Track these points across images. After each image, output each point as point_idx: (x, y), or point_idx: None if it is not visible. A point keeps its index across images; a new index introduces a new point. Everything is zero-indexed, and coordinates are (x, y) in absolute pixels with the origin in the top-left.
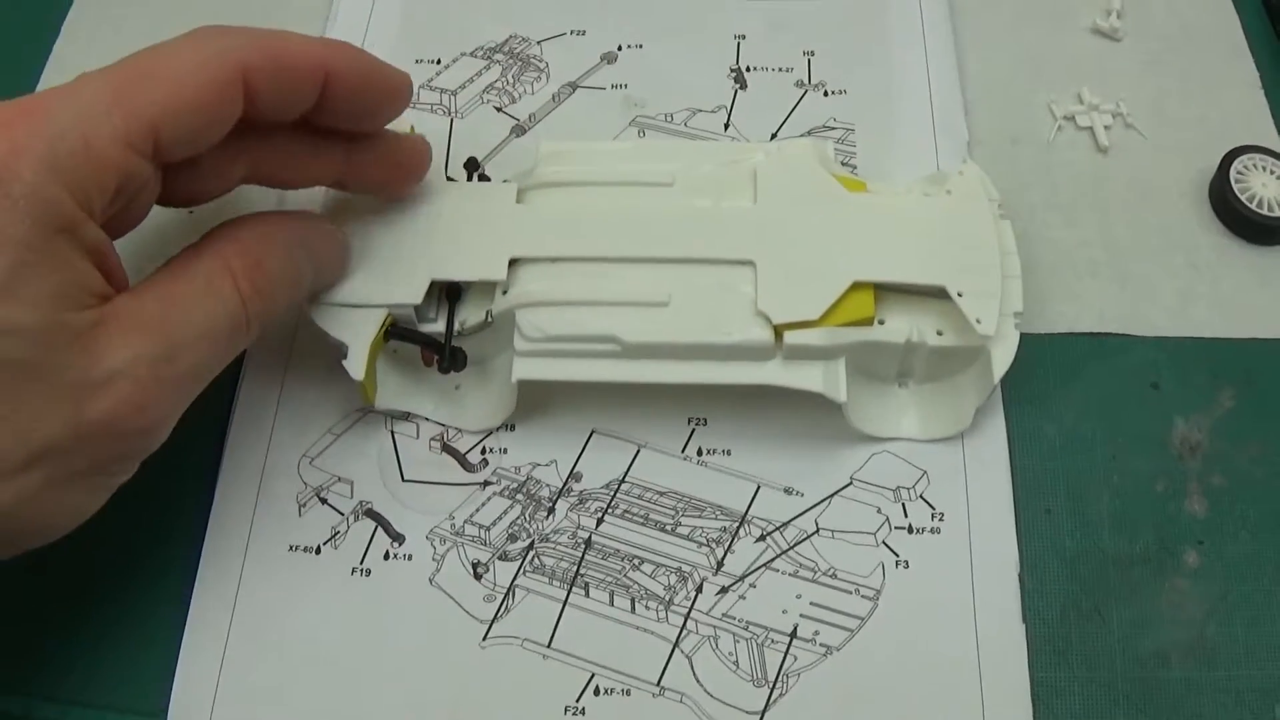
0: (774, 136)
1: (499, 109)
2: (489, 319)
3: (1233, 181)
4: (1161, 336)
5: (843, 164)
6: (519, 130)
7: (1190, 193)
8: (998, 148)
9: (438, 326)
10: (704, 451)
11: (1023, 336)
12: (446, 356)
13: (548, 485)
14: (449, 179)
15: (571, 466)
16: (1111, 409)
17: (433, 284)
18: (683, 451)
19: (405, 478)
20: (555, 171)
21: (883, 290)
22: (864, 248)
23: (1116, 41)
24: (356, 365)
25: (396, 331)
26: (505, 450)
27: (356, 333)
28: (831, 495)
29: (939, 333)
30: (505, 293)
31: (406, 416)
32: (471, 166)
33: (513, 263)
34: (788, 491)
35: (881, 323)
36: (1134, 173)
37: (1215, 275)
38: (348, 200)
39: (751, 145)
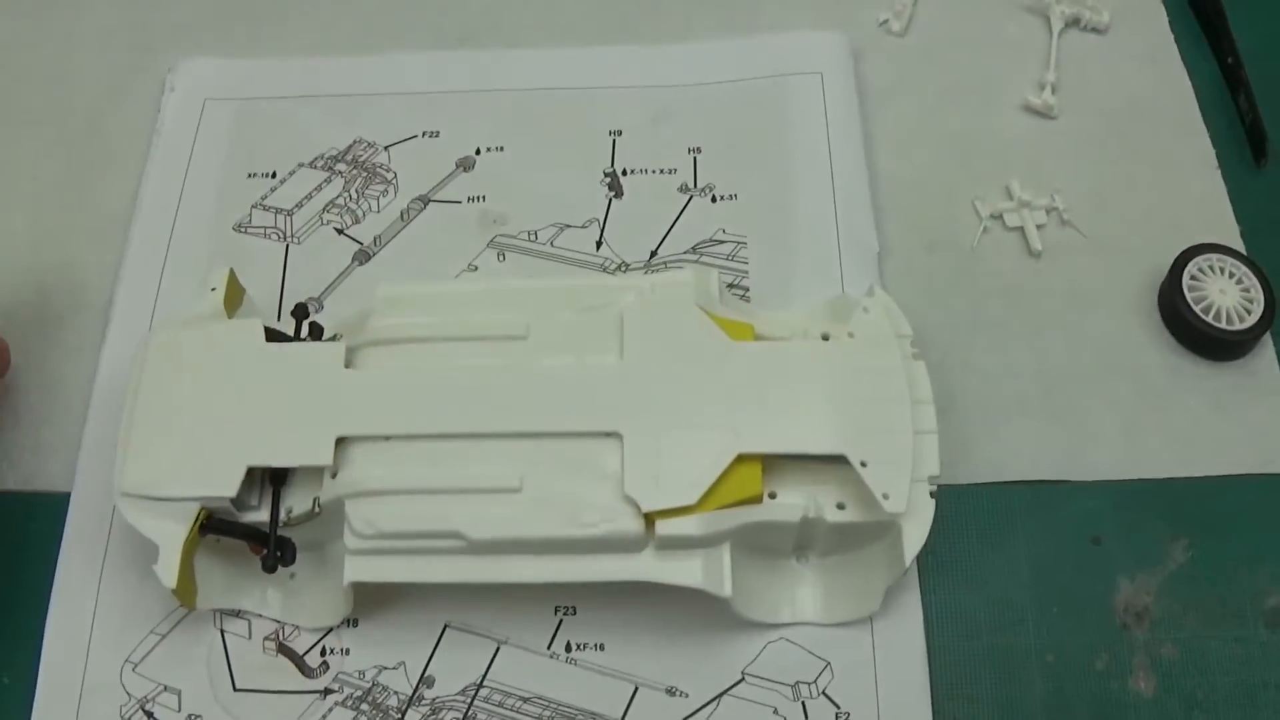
0: (654, 255)
1: (340, 230)
2: (316, 509)
3: (1186, 290)
4: (1104, 480)
5: (731, 286)
6: (362, 256)
7: (1137, 303)
8: (912, 257)
9: (261, 515)
10: (573, 647)
11: (942, 490)
12: (271, 553)
13: (396, 693)
14: (273, 333)
15: (422, 669)
16: (1046, 572)
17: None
18: (549, 648)
19: (237, 686)
20: (391, 326)
21: (773, 459)
22: (751, 411)
23: (1051, 119)
24: (167, 570)
25: (213, 525)
26: (347, 651)
27: (166, 531)
28: (720, 695)
29: (840, 506)
30: (334, 476)
31: (238, 612)
32: (300, 314)
33: (342, 441)
34: (670, 692)
35: (773, 496)
36: (1072, 280)
37: (1166, 403)
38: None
39: (619, 281)
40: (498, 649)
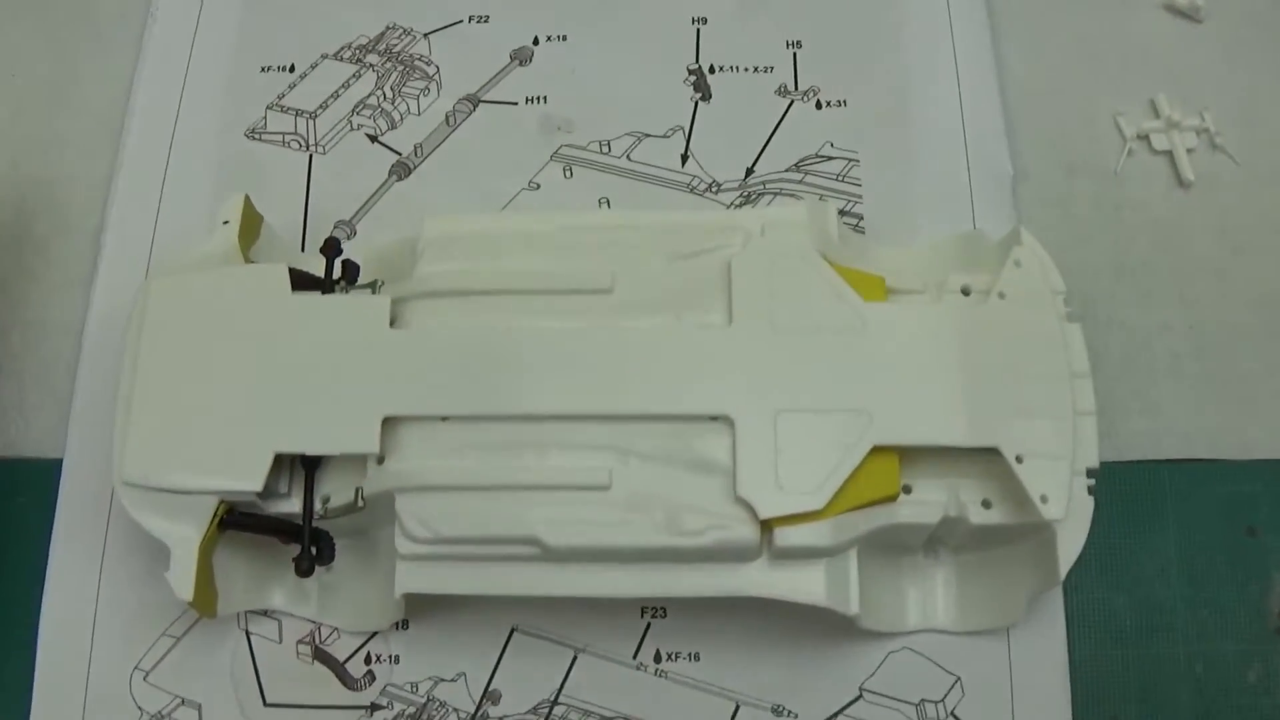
0: (749, 172)
1: (373, 138)
2: (360, 501)
3: None
4: (1263, 460)
5: (842, 214)
6: (401, 170)
7: None
8: (1049, 182)
9: (293, 504)
10: (663, 656)
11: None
12: (305, 552)
13: (456, 710)
14: (299, 277)
15: (486, 682)
16: (1196, 568)
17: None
18: (635, 657)
19: (268, 700)
20: (445, 275)
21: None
22: (889, 391)
23: (1196, 23)
24: (183, 580)
25: (234, 521)
26: (396, 659)
27: (180, 531)
28: (835, 715)
29: (986, 504)
30: (381, 462)
31: (266, 610)
32: (331, 252)
33: (389, 421)
34: (777, 711)
35: (908, 491)
36: (1224, 215)
37: None
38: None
39: (722, 218)
40: (575, 658)
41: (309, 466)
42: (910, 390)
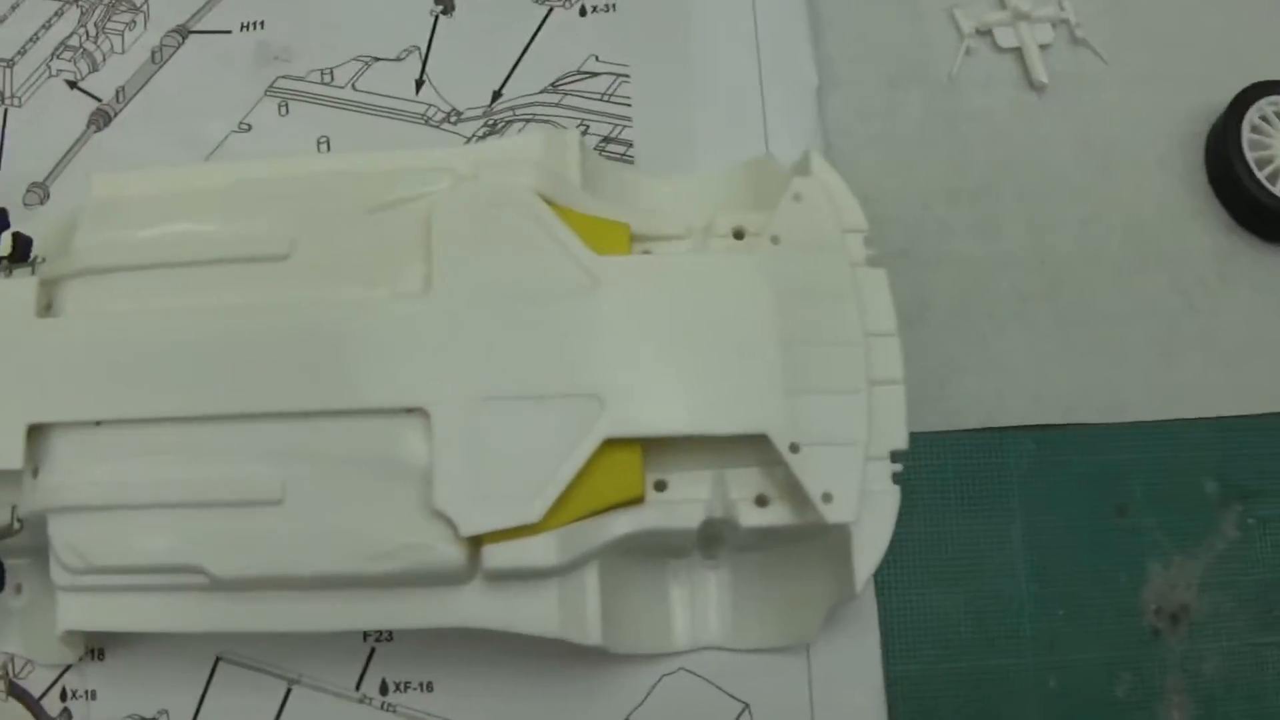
0: (497, 96)
1: (73, 83)
2: (16, 524)
3: (1245, 145)
4: (1133, 423)
5: (607, 141)
6: (101, 119)
7: (1176, 159)
8: (866, 94)
9: None
10: (390, 687)
11: (911, 438)
12: None
13: None
14: None
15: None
16: (1050, 559)
17: None
18: (358, 688)
19: None
20: (100, 246)
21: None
22: (626, 369)
23: None
24: None
25: None
26: (93, 694)
27: None
28: None
29: (760, 500)
30: (36, 474)
31: None
32: None
33: (36, 429)
34: None
35: (660, 488)
36: (1086, 125)
37: (1218, 305)
38: None
39: (427, 156)
40: (289, 690)
41: None
42: (652, 367)
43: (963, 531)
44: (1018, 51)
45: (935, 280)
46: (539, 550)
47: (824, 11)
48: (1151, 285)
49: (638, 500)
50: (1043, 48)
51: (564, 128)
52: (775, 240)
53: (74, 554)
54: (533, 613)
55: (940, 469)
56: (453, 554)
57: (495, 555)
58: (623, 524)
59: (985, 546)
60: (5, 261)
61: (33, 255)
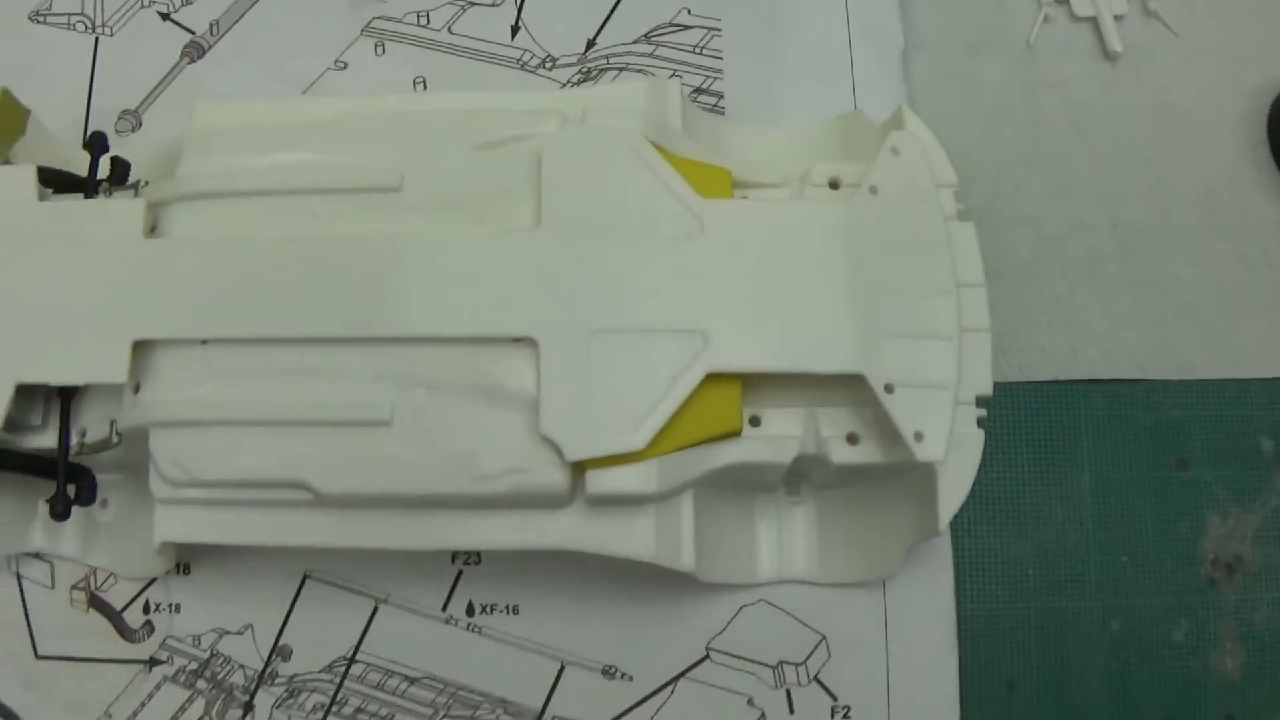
0: (591, 44)
1: (165, 15)
2: (115, 436)
3: None
4: (1196, 381)
5: (699, 93)
6: (194, 51)
7: (1241, 131)
8: (948, 57)
9: (47, 439)
10: (477, 609)
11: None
12: (61, 493)
13: (241, 666)
14: (60, 179)
15: (275, 636)
16: (1116, 506)
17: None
18: (444, 608)
19: (40, 653)
20: (207, 175)
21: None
22: (729, 307)
23: None
24: None
25: None
26: (178, 608)
27: None
28: (676, 678)
29: (851, 438)
30: (137, 391)
31: (36, 554)
32: (96, 148)
33: (141, 345)
34: (608, 673)
35: (755, 423)
36: (1157, 95)
37: (1276, 274)
38: None
39: (536, 101)
40: (375, 609)
41: (65, 396)
42: (755, 306)
43: (1033, 479)
44: (1093, 21)
45: (1011, 239)
46: (640, 477)
47: None
48: (1216, 252)
49: (735, 434)
50: (1117, 18)
51: (675, 76)
52: (873, 190)
53: (177, 467)
54: (629, 537)
55: (1013, 418)
56: (557, 478)
57: (598, 481)
58: (720, 456)
59: (1054, 493)
60: (106, 184)
61: (131, 179)
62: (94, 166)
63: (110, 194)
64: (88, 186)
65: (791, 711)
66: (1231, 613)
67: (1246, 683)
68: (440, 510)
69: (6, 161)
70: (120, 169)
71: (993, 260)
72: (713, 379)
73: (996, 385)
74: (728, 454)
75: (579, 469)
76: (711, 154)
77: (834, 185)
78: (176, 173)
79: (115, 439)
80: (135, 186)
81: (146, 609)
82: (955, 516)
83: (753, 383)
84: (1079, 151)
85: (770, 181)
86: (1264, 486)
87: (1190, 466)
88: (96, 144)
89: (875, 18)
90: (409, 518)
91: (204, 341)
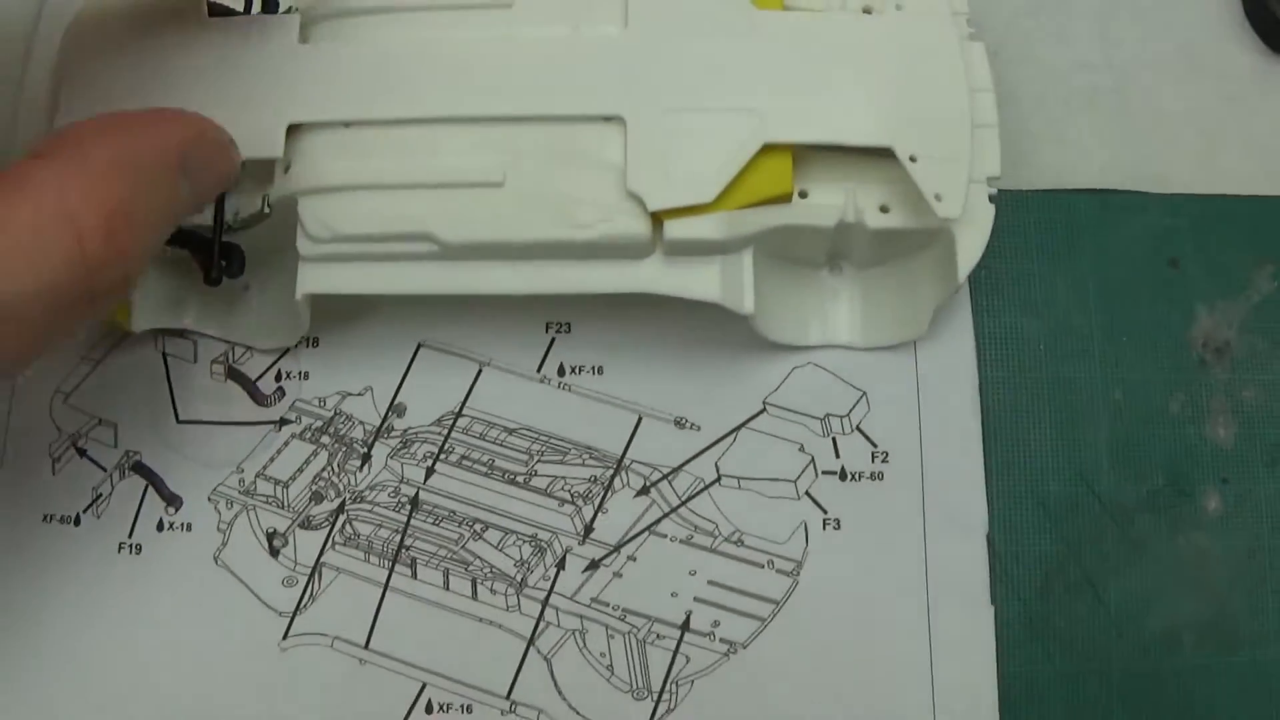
0: None
1: None
2: (266, 208)
3: None
4: (1183, 194)
5: None
6: None
7: None
8: None
9: (204, 218)
10: (567, 370)
11: (999, 196)
12: (215, 262)
13: (361, 423)
14: (218, 8)
15: (392, 396)
16: (1115, 296)
17: None
18: (539, 370)
19: (180, 417)
20: None
21: (805, 150)
22: (780, 94)
23: None
24: None
25: None
26: (306, 375)
27: None
28: (738, 428)
29: (883, 209)
30: (287, 171)
31: (182, 333)
32: None
33: (295, 129)
34: (679, 424)
35: (804, 195)
36: None
37: (1253, 108)
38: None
39: None
40: (479, 371)
41: None
42: (803, 93)
43: (1041, 269)
44: None
45: (1020, 76)
46: (709, 226)
47: None
48: (1199, 89)
49: (787, 198)
50: None
51: None
52: (899, 7)
53: (321, 225)
54: (700, 281)
55: (1023, 219)
56: (640, 226)
57: (674, 229)
58: (775, 217)
59: (1060, 282)
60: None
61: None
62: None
63: None
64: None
65: (837, 456)
66: (1222, 390)
67: (1238, 452)
68: (544, 259)
69: None
70: (270, 2)
71: (1006, 90)
72: (769, 150)
73: (1013, 192)
74: (781, 216)
75: (658, 221)
76: None
77: (866, 11)
78: None
79: (267, 210)
80: (289, 9)
81: (278, 377)
82: (975, 297)
83: (802, 159)
84: (1081, 6)
85: (814, 6)
86: (1247, 285)
87: (1179, 266)
88: None
89: None
90: (518, 266)
91: (347, 125)
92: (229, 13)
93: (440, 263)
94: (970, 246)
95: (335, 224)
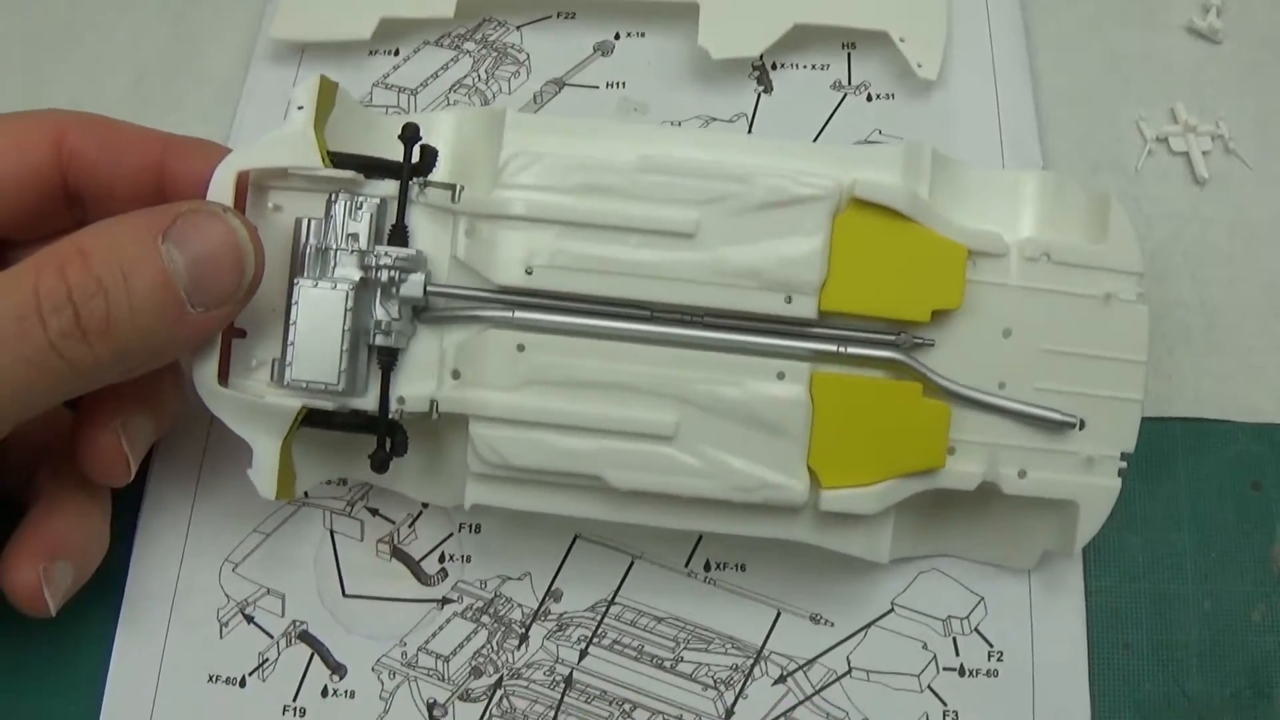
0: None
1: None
2: (434, 414)
3: None
4: (1267, 423)
5: None
6: None
7: None
8: (1076, 176)
9: (367, 402)
10: (712, 566)
11: None
12: (381, 445)
13: (520, 605)
14: (369, 164)
15: (550, 582)
16: (1205, 514)
17: (362, 352)
18: (687, 565)
19: (347, 591)
20: (520, 199)
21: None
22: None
23: (1215, 44)
24: (265, 478)
25: (314, 421)
26: (469, 558)
27: (263, 428)
28: (868, 625)
29: (1021, 474)
30: (457, 376)
31: (349, 512)
32: (410, 137)
33: None
34: (815, 619)
35: (951, 452)
36: (1236, 212)
37: None
38: None
39: (805, 157)
40: (631, 564)
41: (385, 365)
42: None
43: (1142, 491)
44: (1185, 155)
45: None
46: (866, 502)
47: (1046, 116)
48: (1279, 329)
49: (938, 468)
50: (1205, 153)
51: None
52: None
53: (493, 453)
54: (844, 538)
55: None
56: (802, 498)
57: (832, 501)
58: (920, 484)
59: (1158, 504)
60: (420, 181)
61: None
62: (408, 152)
63: (424, 190)
64: (402, 174)
65: (957, 654)
66: None
67: None
68: (703, 508)
69: (320, 136)
70: (429, 156)
71: None
72: (927, 422)
73: None
74: (928, 482)
75: (817, 485)
76: (948, 199)
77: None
78: (492, 195)
79: (435, 415)
80: (452, 190)
81: (442, 559)
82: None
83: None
84: (1175, 250)
85: (994, 251)
86: None
87: (1263, 489)
88: (410, 133)
89: (1021, 144)
90: (676, 507)
91: (520, 349)
92: (392, 171)
93: (604, 495)
94: (1091, 519)
95: (506, 454)
